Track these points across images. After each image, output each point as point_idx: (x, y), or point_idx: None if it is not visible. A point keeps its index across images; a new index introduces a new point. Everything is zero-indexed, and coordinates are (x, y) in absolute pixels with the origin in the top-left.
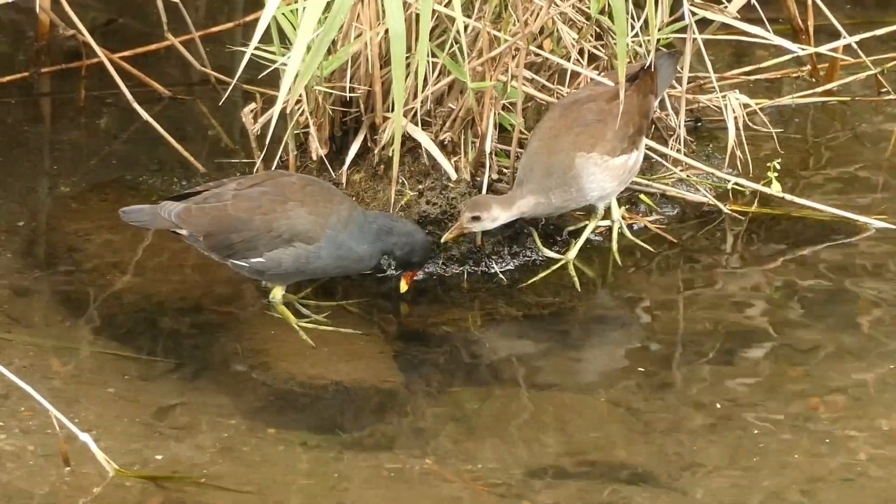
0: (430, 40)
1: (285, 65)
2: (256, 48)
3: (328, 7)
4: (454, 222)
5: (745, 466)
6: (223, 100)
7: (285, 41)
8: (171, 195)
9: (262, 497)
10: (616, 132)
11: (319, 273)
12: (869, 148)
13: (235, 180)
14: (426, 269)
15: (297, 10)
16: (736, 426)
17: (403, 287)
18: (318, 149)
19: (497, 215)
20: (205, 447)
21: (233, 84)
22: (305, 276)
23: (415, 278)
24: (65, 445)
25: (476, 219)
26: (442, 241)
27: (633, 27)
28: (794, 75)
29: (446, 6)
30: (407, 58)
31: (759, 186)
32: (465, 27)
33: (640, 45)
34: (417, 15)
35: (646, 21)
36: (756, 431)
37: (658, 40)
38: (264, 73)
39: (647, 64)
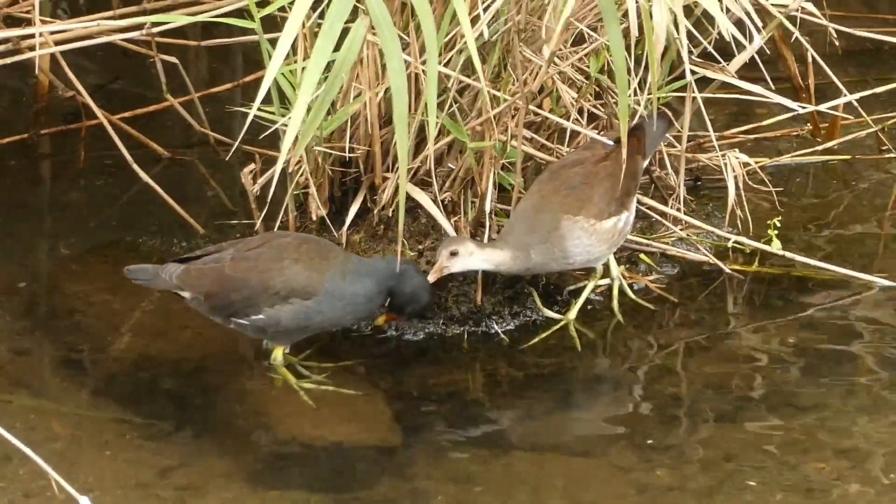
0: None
1: (285, 126)
2: (261, 109)
3: (328, 68)
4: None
5: None
6: (228, 157)
7: (284, 102)
8: (172, 256)
9: None
10: (603, 195)
11: (329, 326)
12: (869, 206)
13: (234, 245)
14: (426, 329)
15: (296, 70)
16: (738, 487)
17: (381, 321)
18: (317, 209)
19: (472, 251)
20: None
21: (235, 146)
22: (311, 331)
23: (395, 321)
24: None
25: (454, 254)
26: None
27: (631, 86)
28: (795, 134)
29: (445, 66)
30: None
31: (759, 245)
32: (465, 87)
33: (639, 104)
34: (416, 75)
35: (644, 80)
36: (759, 493)
37: (658, 99)
38: (264, 133)
39: (637, 124)
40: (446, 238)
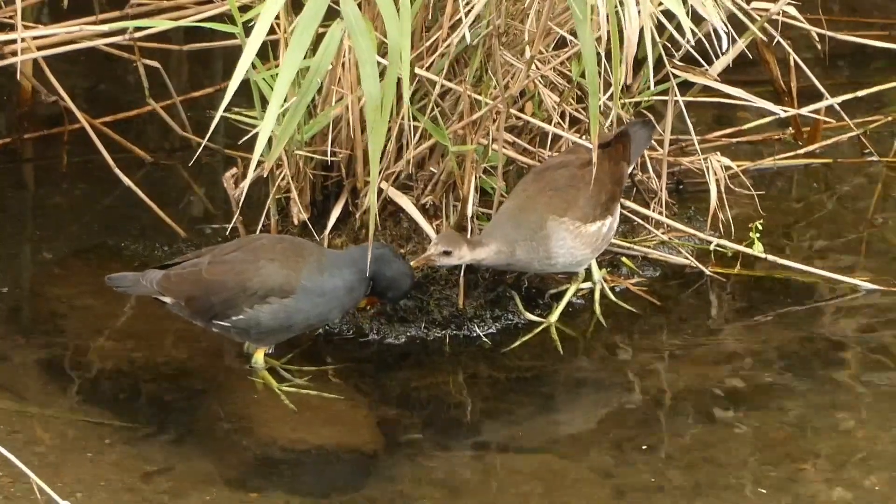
0: (411, 104)
1: None
2: (237, 112)
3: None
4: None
5: None
6: (210, 160)
7: (265, 106)
8: (153, 260)
9: None
10: (588, 199)
11: (317, 323)
12: (851, 209)
13: (212, 250)
14: (408, 333)
15: (276, 74)
16: (719, 488)
17: (362, 304)
18: (299, 213)
19: (464, 254)
20: None
21: (219, 149)
22: (298, 330)
23: (377, 305)
24: None
25: (447, 253)
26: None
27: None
28: (777, 137)
29: (427, 70)
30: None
31: (741, 248)
32: (447, 90)
33: (623, 108)
34: (399, 79)
35: (627, 85)
36: (741, 494)
37: (639, 104)
38: (245, 137)
39: (623, 130)
40: (443, 233)
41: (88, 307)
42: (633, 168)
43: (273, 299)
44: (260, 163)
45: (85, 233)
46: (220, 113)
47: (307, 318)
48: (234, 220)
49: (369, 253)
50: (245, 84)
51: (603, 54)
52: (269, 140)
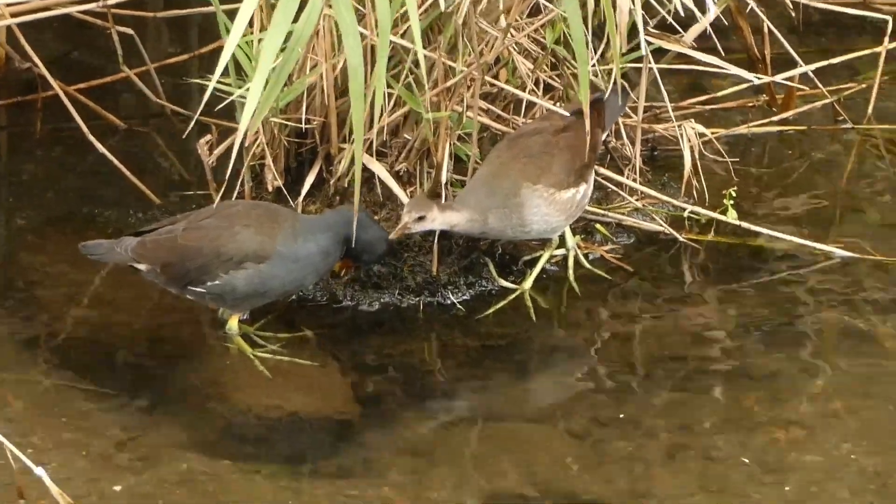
0: (385, 71)
1: (242, 98)
2: (210, 79)
3: (284, 40)
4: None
5: (703, 496)
6: (186, 131)
7: (240, 73)
8: (128, 227)
9: None
10: (563, 165)
11: (293, 289)
12: (825, 177)
13: (187, 217)
14: (382, 300)
15: (252, 41)
16: (693, 455)
17: (336, 267)
18: (273, 180)
19: (435, 217)
20: (162, 479)
21: (194, 119)
22: (274, 296)
23: (351, 270)
24: (20, 478)
25: (421, 219)
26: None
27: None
28: (751, 105)
29: (402, 37)
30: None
31: (714, 214)
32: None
33: (597, 76)
34: (373, 46)
35: (602, 53)
36: (713, 460)
37: (616, 71)
38: (220, 105)
39: (597, 97)
40: (412, 199)
41: (63, 274)
42: (607, 135)
43: (248, 265)
44: (241, 131)
45: (59, 200)
46: (212, 84)
47: (283, 283)
48: (210, 188)
49: (349, 217)
50: (218, 52)
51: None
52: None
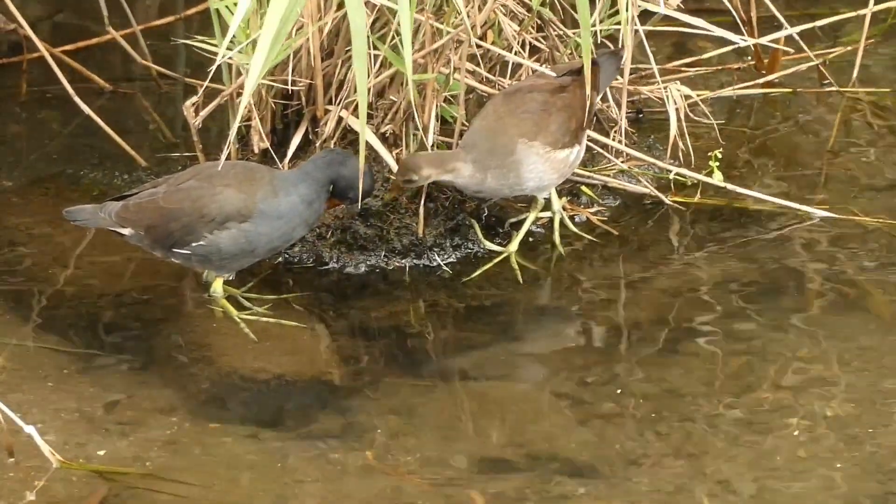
0: (371, 32)
1: (230, 59)
2: (198, 40)
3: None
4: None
5: (690, 457)
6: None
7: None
8: (113, 189)
9: (206, 489)
10: (560, 125)
11: (282, 244)
12: (811, 139)
13: (168, 179)
14: (368, 262)
15: (237, 2)
16: (679, 417)
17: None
18: (260, 141)
19: (429, 174)
20: (149, 441)
21: (179, 77)
22: (259, 255)
23: (336, 207)
24: (9, 438)
25: (410, 181)
26: (383, 202)
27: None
28: (737, 67)
29: None
30: (347, 51)
31: (700, 176)
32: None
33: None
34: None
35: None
36: (700, 422)
37: (599, 33)
38: (207, 66)
39: (592, 60)
40: (400, 163)
41: (47, 236)
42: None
43: (232, 224)
44: (247, 95)
45: (44, 162)
46: (222, 55)
47: (270, 240)
48: (196, 150)
49: (329, 158)
50: (200, 14)
51: None
52: (230, 67)
